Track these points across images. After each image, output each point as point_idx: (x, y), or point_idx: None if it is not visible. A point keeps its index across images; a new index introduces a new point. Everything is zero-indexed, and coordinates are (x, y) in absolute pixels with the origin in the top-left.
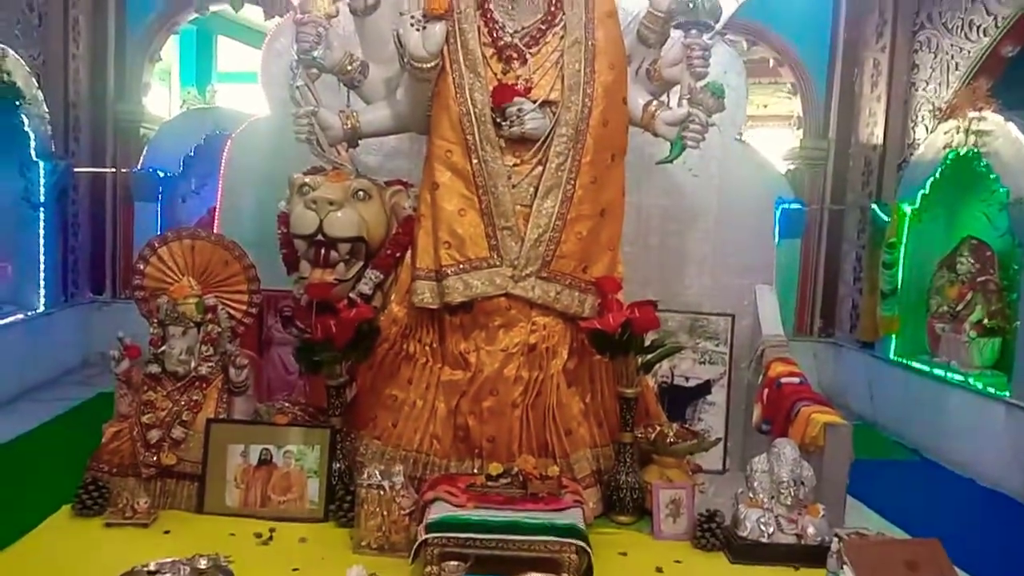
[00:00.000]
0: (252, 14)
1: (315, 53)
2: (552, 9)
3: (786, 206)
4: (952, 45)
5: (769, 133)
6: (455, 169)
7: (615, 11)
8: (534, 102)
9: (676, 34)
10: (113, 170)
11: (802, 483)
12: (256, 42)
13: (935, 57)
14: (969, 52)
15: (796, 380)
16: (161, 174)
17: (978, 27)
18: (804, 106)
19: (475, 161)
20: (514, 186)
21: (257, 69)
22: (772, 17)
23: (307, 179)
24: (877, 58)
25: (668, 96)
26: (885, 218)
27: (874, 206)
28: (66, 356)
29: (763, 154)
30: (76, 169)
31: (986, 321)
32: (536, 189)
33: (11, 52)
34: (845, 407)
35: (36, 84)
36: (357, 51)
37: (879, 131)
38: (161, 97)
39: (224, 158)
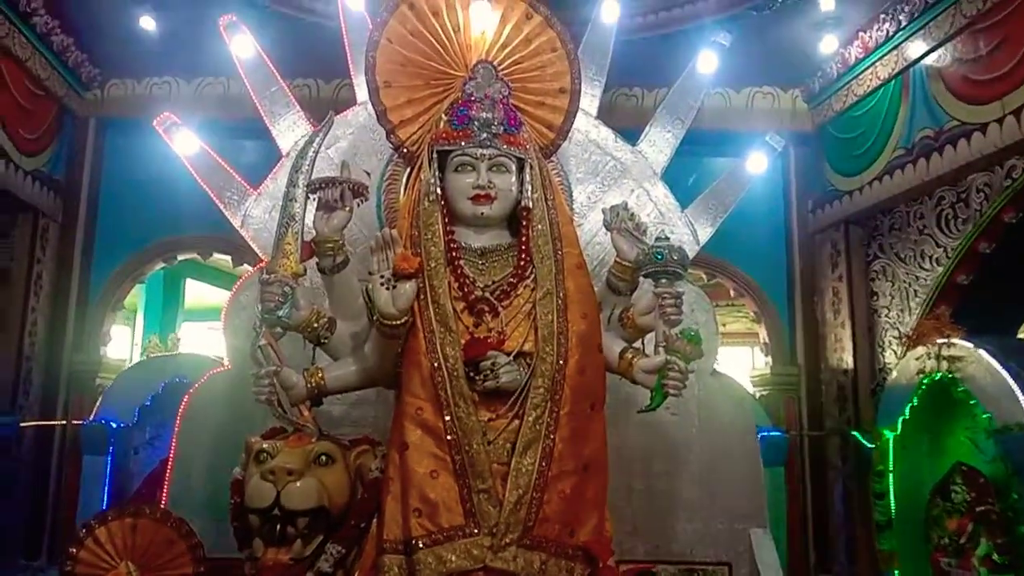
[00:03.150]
0: (221, 257)
1: (280, 312)
2: (522, 263)
3: (766, 434)
4: (908, 274)
5: (731, 352)
6: (426, 427)
7: (584, 263)
8: (508, 354)
9: (647, 282)
10: (62, 423)
11: None
12: (224, 284)
13: (893, 285)
14: (926, 280)
15: None
16: (113, 425)
17: (930, 257)
18: (769, 333)
19: (448, 418)
20: (490, 443)
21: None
22: (729, 252)
23: (265, 444)
24: (836, 286)
25: (643, 342)
26: (869, 445)
27: (855, 433)
28: None
29: (739, 384)
30: (22, 424)
31: (995, 557)
32: (513, 445)
33: None
34: None
35: None
36: (323, 302)
37: (848, 357)
38: (124, 337)
39: (180, 413)
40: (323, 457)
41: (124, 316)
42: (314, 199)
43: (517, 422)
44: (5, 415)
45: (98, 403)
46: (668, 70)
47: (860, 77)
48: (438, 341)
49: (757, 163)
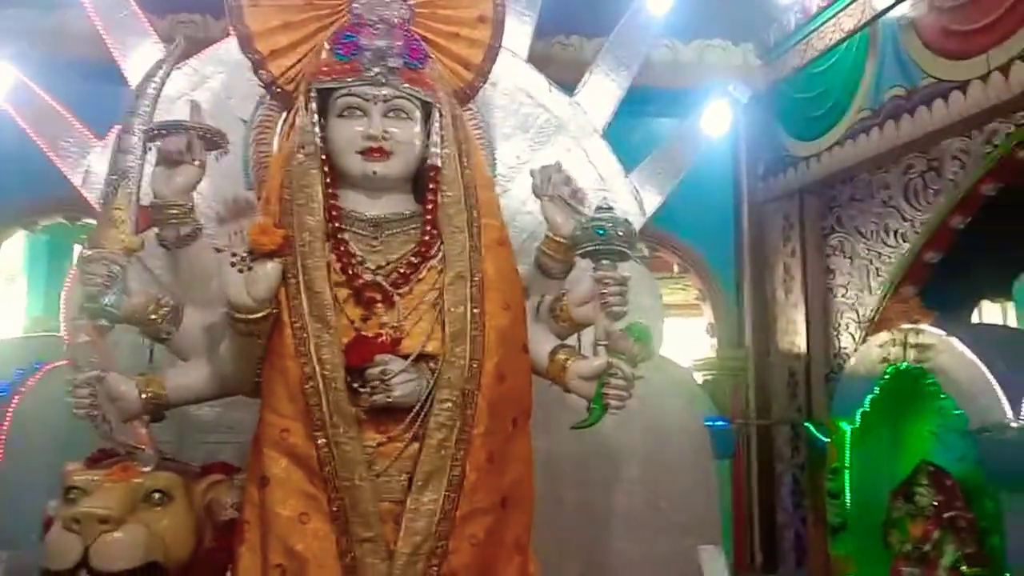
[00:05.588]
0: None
1: (106, 300)
2: (427, 238)
3: (711, 424)
4: (869, 250)
5: (672, 326)
6: (294, 455)
7: (507, 238)
8: (405, 358)
9: (585, 263)
10: None
11: None
12: None
13: (851, 262)
14: (889, 257)
15: None
16: None
17: (895, 231)
18: (715, 313)
19: (322, 442)
20: (378, 475)
21: None
22: (672, 222)
23: (77, 479)
24: (788, 262)
25: (579, 339)
26: (823, 438)
27: (808, 424)
28: None
29: (688, 374)
30: None
31: (964, 568)
32: (410, 477)
33: None
34: None
35: None
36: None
37: (800, 340)
38: (6, 309)
39: (9, 417)
40: (156, 495)
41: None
42: (154, 150)
43: (416, 446)
44: None
45: None
46: (612, 16)
47: (821, 29)
48: (311, 341)
49: (715, 119)
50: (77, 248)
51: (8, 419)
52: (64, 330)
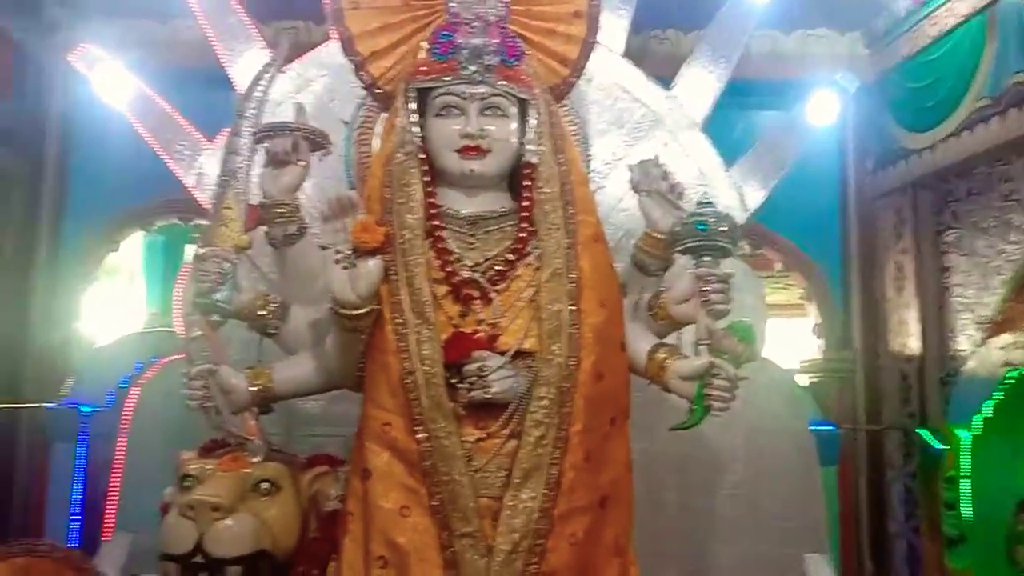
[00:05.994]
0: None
1: (217, 296)
2: (523, 235)
3: (816, 428)
4: (989, 246)
5: (772, 325)
6: (395, 449)
7: (602, 234)
8: (503, 354)
9: (684, 259)
10: (22, 405)
11: None
12: None
13: (969, 259)
14: (1012, 254)
15: None
16: (85, 410)
17: (1018, 227)
18: (821, 313)
19: (422, 436)
20: (477, 471)
21: None
22: (775, 218)
23: (192, 467)
24: (899, 260)
25: (679, 337)
26: (940, 446)
27: (923, 432)
28: None
29: (791, 376)
30: None
31: None
32: (509, 474)
33: None
34: None
35: None
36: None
37: (913, 341)
38: (128, 306)
39: (132, 407)
40: (265, 484)
41: (122, 282)
42: (261, 151)
43: (514, 443)
44: None
45: (67, 384)
46: (709, 9)
47: (934, 15)
48: (412, 337)
49: (821, 110)
50: (190, 248)
51: (129, 411)
52: (178, 325)
